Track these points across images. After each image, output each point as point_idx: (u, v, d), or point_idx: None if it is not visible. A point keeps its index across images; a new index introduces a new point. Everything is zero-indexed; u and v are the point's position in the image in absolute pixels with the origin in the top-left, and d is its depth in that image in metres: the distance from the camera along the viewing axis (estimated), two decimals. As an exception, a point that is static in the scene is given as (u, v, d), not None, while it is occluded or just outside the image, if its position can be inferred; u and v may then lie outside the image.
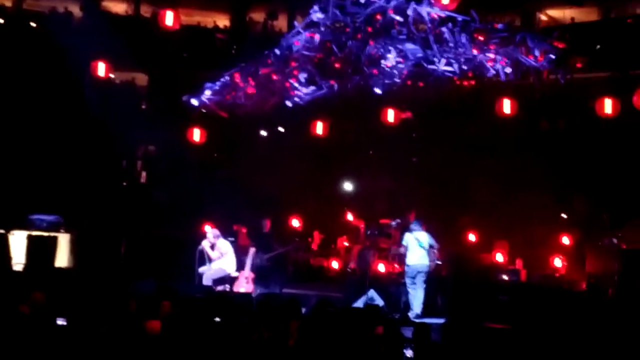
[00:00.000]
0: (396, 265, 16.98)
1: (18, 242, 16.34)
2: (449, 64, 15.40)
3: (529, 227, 17.88)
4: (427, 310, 14.92)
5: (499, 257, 17.46)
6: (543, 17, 24.45)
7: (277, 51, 16.30)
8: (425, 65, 15.62)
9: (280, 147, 20.15)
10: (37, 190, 18.82)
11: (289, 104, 17.21)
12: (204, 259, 15.95)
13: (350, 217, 19.87)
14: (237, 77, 17.03)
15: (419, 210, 17.12)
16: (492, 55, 15.23)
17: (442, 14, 14.97)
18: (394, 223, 17.72)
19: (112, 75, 19.29)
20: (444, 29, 14.96)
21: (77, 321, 8.18)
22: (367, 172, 20.44)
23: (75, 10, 24.08)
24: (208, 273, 15.71)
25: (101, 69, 17.17)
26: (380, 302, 15.02)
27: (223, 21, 26.48)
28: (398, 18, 14.97)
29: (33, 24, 23.00)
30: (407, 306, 15.12)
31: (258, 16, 26.49)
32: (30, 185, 19.01)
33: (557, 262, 17.15)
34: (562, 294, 15.12)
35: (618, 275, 14.94)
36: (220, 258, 15.94)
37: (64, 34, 20.10)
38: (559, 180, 18.06)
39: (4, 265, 15.64)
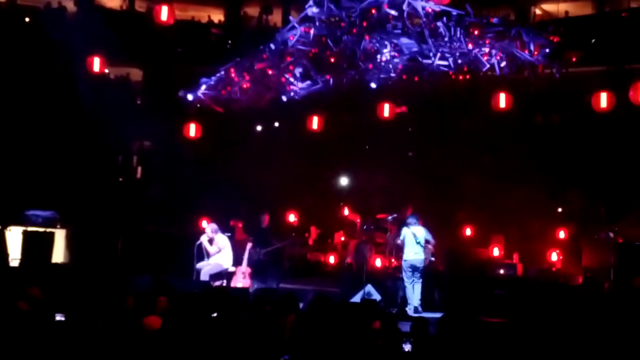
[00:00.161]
0: (393, 260, 17.00)
1: (14, 238, 16.32)
2: (444, 58, 15.40)
3: (525, 222, 17.90)
4: (424, 305, 14.95)
5: (495, 252, 17.52)
6: (537, 11, 24.45)
7: (272, 46, 16.29)
8: (420, 59, 15.62)
9: (276, 142, 20.15)
10: (33, 185, 18.77)
11: (284, 98, 17.23)
12: (202, 254, 15.94)
13: (346, 212, 19.89)
14: (233, 72, 17.03)
15: (416, 205, 17.12)
16: (487, 50, 15.22)
17: (437, 8, 14.95)
18: (390, 218, 17.72)
19: (106, 70, 19.24)
20: (439, 23, 14.95)
21: (75, 317, 8.16)
22: (362, 166, 20.45)
23: (70, 5, 24.00)
24: (206, 268, 15.70)
25: (96, 64, 17.16)
26: (377, 296, 15.04)
27: (217, 16, 26.42)
28: (393, 12, 14.94)
29: (27, 19, 22.92)
30: (404, 301, 15.14)
31: (253, 10, 26.44)
32: (26, 181, 18.96)
33: (553, 256, 17.19)
34: (558, 288, 15.18)
35: (614, 269, 14.98)
36: (219, 253, 15.93)
37: (58, 29, 20.04)
38: (555, 175, 18.10)
39: (1, 261, 15.62)
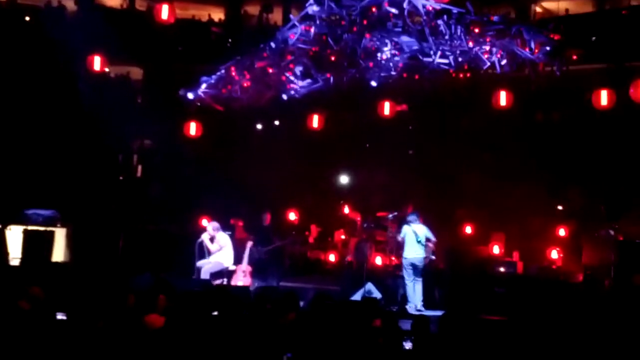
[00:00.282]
0: (393, 258, 17.00)
1: (14, 237, 16.32)
2: (444, 56, 15.40)
3: (525, 219, 17.92)
4: (425, 303, 14.96)
5: (496, 250, 17.51)
6: (538, 9, 24.47)
7: (273, 44, 16.28)
8: (420, 57, 15.62)
9: (276, 140, 20.15)
10: (33, 185, 18.78)
11: (284, 97, 17.22)
12: (203, 252, 15.95)
13: (346, 210, 19.90)
14: (233, 71, 17.03)
15: (416, 203, 17.12)
16: (487, 48, 15.24)
17: (438, 7, 14.96)
18: (390, 216, 17.73)
19: (107, 69, 19.25)
20: (439, 22, 14.94)
21: (76, 316, 8.17)
22: (363, 165, 20.46)
23: (70, 4, 24.02)
24: (206, 267, 15.71)
25: (96, 62, 17.14)
26: (377, 294, 15.03)
27: (218, 14, 26.44)
28: (393, 10, 14.94)
29: (27, 18, 22.93)
30: (405, 299, 15.14)
31: (253, 9, 26.46)
32: (26, 180, 18.97)
33: (554, 254, 17.20)
34: (558, 286, 15.18)
35: (614, 266, 14.97)
36: (220, 251, 15.94)
37: (58, 27, 20.05)
38: (556, 172, 18.10)
39: (1, 261, 15.63)
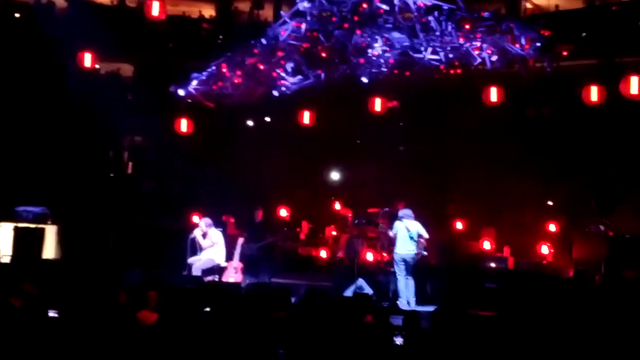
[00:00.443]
0: (384, 254, 17.02)
1: (5, 234, 16.30)
2: (435, 52, 15.43)
3: (516, 215, 17.97)
4: (416, 298, 14.99)
5: (487, 245, 17.56)
6: (528, 5, 24.48)
7: (264, 41, 16.28)
8: (411, 53, 15.64)
9: (268, 136, 20.15)
10: (24, 182, 18.74)
11: (275, 93, 17.21)
12: (195, 248, 15.94)
13: (338, 206, 19.91)
14: (224, 67, 17.01)
15: (407, 199, 17.14)
16: (478, 44, 15.27)
17: (428, 3, 14.99)
18: (381, 212, 17.76)
19: (97, 66, 19.20)
20: (430, 18, 14.96)
21: (68, 312, 8.16)
22: (354, 161, 20.48)
23: (60, 0, 23.92)
24: (197, 263, 15.70)
25: (87, 59, 17.11)
26: (369, 290, 15.06)
27: (209, 11, 26.37)
28: (384, 7, 14.97)
29: (17, 15, 22.85)
30: (396, 295, 15.17)
31: (244, 5, 26.38)
32: (16, 177, 18.93)
33: (544, 249, 17.25)
34: (549, 281, 15.22)
35: (605, 261, 15.03)
36: (211, 247, 15.93)
37: (48, 24, 19.99)
38: (546, 168, 18.14)
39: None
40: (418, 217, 15.34)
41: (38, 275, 12.97)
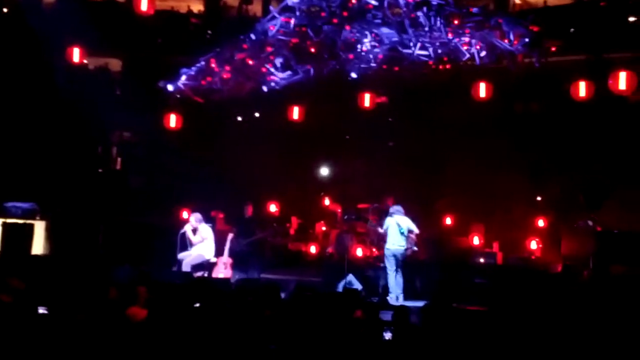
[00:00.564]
0: (374, 250, 17.04)
1: (-7, 230, 16.27)
2: (424, 48, 15.45)
3: (505, 210, 18.03)
4: (405, 294, 15.03)
5: (476, 240, 17.60)
6: (517, 1, 24.49)
7: (253, 36, 16.25)
8: (400, 49, 15.66)
9: (257, 132, 20.11)
10: (12, 177, 18.66)
11: (265, 89, 17.19)
12: (185, 243, 15.92)
13: (327, 201, 19.91)
14: (213, 63, 16.97)
15: (396, 194, 17.17)
16: (467, 39, 15.31)
17: (417, -2, 15.01)
18: (372, 208, 17.78)
19: (85, 61, 19.12)
20: (419, 13, 14.98)
21: (58, 309, 8.14)
22: (343, 156, 20.48)
23: (48, -5, 23.83)
24: (187, 259, 15.69)
25: (76, 54, 17.05)
26: (358, 286, 15.10)
27: (197, 6, 26.25)
28: (373, 2, 14.98)
29: (5, 10, 22.72)
30: (386, 290, 15.20)
31: (232, 0, 26.29)
32: (5, 173, 18.84)
33: (533, 245, 17.31)
34: (538, 276, 15.28)
35: (593, 257, 15.09)
36: (201, 242, 15.92)
37: (36, 19, 19.90)
38: (534, 163, 18.20)
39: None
40: (407, 213, 15.39)
41: (27, 271, 12.92)
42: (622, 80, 14.47)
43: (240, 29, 17.40)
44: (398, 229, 15.02)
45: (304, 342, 7.98)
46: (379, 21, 15.13)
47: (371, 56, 15.96)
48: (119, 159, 23.29)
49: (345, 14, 15.21)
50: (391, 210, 15.36)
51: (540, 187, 18.64)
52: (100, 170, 22.32)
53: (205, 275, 15.75)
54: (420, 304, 12.19)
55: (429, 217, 17.72)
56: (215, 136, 20.58)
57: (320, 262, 17.89)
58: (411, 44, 15.35)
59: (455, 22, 15.01)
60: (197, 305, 9.45)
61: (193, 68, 17.25)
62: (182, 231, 15.88)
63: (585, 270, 15.10)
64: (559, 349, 8.66)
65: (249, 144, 19.84)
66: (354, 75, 16.34)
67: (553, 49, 15.40)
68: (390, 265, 15.03)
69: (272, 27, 15.89)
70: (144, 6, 15.16)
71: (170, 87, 17.46)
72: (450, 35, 15.10)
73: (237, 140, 19.99)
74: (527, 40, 15.04)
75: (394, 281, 14.98)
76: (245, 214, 18.12)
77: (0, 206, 16.85)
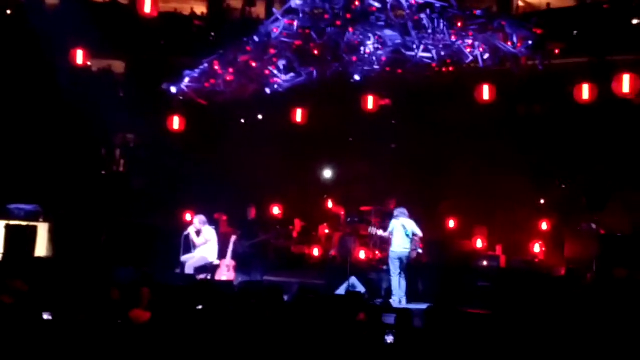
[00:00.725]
0: (377, 252, 17.04)
1: (-4, 232, 16.27)
2: (427, 50, 15.43)
3: (508, 213, 18.01)
4: (408, 296, 15.01)
5: (479, 243, 17.58)
6: (520, 3, 24.49)
7: (256, 38, 16.25)
8: (403, 51, 15.64)
9: (260, 134, 20.11)
10: (16, 179, 18.67)
11: (268, 91, 17.19)
12: (189, 245, 15.91)
13: (330, 204, 19.90)
14: (216, 65, 16.98)
15: (399, 197, 17.17)
16: (470, 42, 15.27)
17: (420, 0, 14.97)
18: (374, 210, 17.79)
19: (89, 63, 19.14)
20: (422, 15, 14.95)
21: (61, 311, 8.13)
22: (346, 159, 20.47)
23: (52, -3, 23.85)
24: (190, 261, 15.68)
25: (79, 56, 17.07)
26: (361, 288, 15.08)
27: (200, 8, 26.28)
28: (376, 4, 14.96)
29: (8, 11, 22.75)
30: (389, 292, 15.19)
31: (236, 3, 26.29)
32: (8, 175, 18.85)
33: (536, 248, 17.29)
34: (541, 279, 15.24)
35: (596, 260, 15.07)
36: (205, 245, 15.91)
37: (40, 20, 19.92)
38: (538, 166, 18.18)
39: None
40: (411, 215, 15.38)
41: (30, 273, 12.92)
42: (625, 83, 14.47)
43: (243, 31, 17.41)
44: (404, 232, 15.01)
45: (307, 344, 7.97)
46: (382, 23, 15.12)
47: (374, 58, 15.94)
48: (122, 161, 23.31)
49: (348, 16, 15.20)
50: (395, 213, 15.34)
51: (544, 190, 18.63)
52: (103, 172, 22.34)
53: (208, 277, 15.74)
54: (423, 306, 12.20)
55: (432, 220, 17.70)
56: (219, 138, 20.59)
57: (323, 264, 17.89)
58: (414, 46, 15.34)
59: (459, 24, 14.99)
60: (200, 307, 9.44)
61: (196, 70, 17.26)
62: (185, 233, 15.88)
63: (589, 273, 15.08)
64: (563, 352, 8.65)
65: (252, 146, 19.84)
66: (357, 77, 16.33)
67: (556, 51, 15.37)
68: (394, 268, 15.02)
69: (276, 30, 15.89)
70: (147, 8, 15.16)
71: (173, 89, 17.48)
72: (453, 38, 15.07)
73: (240, 143, 19.99)
74: (530, 42, 15.01)
75: (397, 284, 14.96)
76: (248, 217, 18.12)
77: (4, 208, 16.86)
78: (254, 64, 16.68)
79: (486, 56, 15.36)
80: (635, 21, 19.04)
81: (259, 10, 25.26)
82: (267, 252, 18.22)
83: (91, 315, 8.03)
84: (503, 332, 9.44)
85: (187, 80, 17.38)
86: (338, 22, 15.34)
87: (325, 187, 20.92)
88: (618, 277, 14.43)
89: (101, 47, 19.50)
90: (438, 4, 14.90)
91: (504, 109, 18.04)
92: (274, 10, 16.66)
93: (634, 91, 14.58)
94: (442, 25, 14.97)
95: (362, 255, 17.01)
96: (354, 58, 15.90)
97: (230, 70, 16.95)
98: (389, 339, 8.85)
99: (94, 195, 19.53)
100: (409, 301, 14.82)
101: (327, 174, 21.17)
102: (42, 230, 16.88)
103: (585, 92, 15.21)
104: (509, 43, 15.01)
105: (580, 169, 18.04)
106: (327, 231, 19.21)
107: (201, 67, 17.19)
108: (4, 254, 15.98)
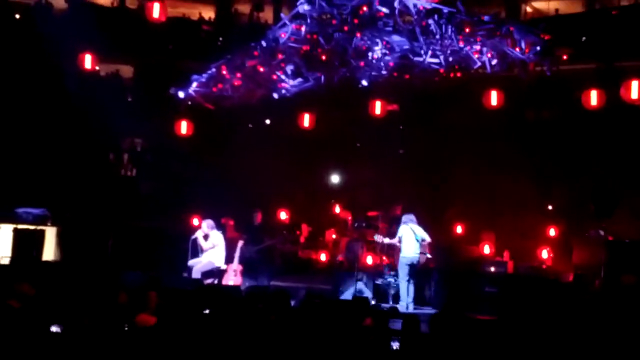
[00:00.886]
0: (384, 258, 17.01)
1: (4, 236, 16.28)
2: (435, 55, 15.42)
3: (516, 219, 17.96)
4: (415, 301, 15.00)
5: (486, 249, 17.54)
6: (528, 9, 24.52)
7: (264, 43, 16.26)
8: (411, 57, 15.64)
9: (267, 139, 20.13)
10: (24, 183, 18.72)
11: (275, 96, 17.19)
12: (196, 249, 15.91)
13: (337, 209, 19.89)
14: (224, 69, 17.00)
15: (406, 202, 17.15)
16: (478, 47, 15.27)
17: (428, 6, 14.97)
18: (381, 215, 17.78)
19: (97, 67, 19.19)
20: (430, 21, 14.95)
21: (68, 315, 8.14)
22: (354, 164, 20.46)
23: (60, 1, 23.92)
24: (197, 266, 15.69)
25: (87, 60, 17.12)
26: (368, 294, 15.08)
27: (208, 13, 26.39)
28: (384, 10, 14.96)
29: (17, 16, 22.84)
30: (396, 298, 15.16)
31: (244, 8, 26.40)
32: (16, 179, 18.91)
33: (544, 254, 17.24)
34: (548, 286, 15.20)
35: (604, 266, 15.02)
36: (212, 249, 15.91)
37: (48, 25, 19.99)
38: (546, 172, 18.15)
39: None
40: (418, 221, 15.38)
41: (38, 277, 12.93)
42: (634, 89, 14.41)
43: (251, 36, 17.45)
44: (414, 236, 15.02)
45: (314, 349, 7.96)
46: (390, 29, 15.11)
47: (382, 64, 15.94)
48: (130, 165, 23.37)
49: (356, 21, 15.19)
50: (404, 219, 15.34)
51: (551, 196, 18.58)
52: (111, 176, 22.38)
53: (215, 282, 15.74)
54: (429, 311, 12.20)
55: (439, 225, 17.67)
56: (226, 143, 20.61)
57: (330, 269, 17.86)
58: (422, 51, 15.33)
59: (467, 30, 14.98)
60: (207, 311, 9.43)
61: (204, 75, 17.28)
62: (193, 237, 15.89)
63: (597, 279, 15.03)
64: (571, 359, 8.62)
65: (259, 151, 19.84)
66: (364, 82, 16.33)
67: (564, 57, 15.35)
68: (404, 274, 15.01)
69: (283, 35, 15.91)
70: (155, 13, 15.23)
71: (181, 94, 17.49)
72: (461, 43, 15.06)
73: (247, 147, 20.00)
74: (538, 48, 14.99)
75: (406, 290, 14.94)
76: (254, 221, 18.12)
77: (12, 212, 16.89)
78: (261, 69, 16.69)
79: (494, 62, 15.35)
80: (643, 27, 19.03)
81: (267, 15, 25.35)
82: (274, 257, 18.20)
83: (99, 320, 8.03)
84: (510, 339, 9.41)
85: (194, 84, 17.40)
86: (346, 28, 15.34)
87: (333, 192, 20.89)
88: (626, 283, 14.38)
89: (109, 52, 19.58)
90: (446, 10, 14.90)
91: (512, 115, 18.02)
92: (282, 15, 16.68)
93: (642, 98, 14.54)
94: (450, 30, 14.97)
95: (369, 260, 16.98)
96: (362, 63, 15.90)
97: (238, 75, 16.97)
98: (395, 345, 8.84)
99: (102, 199, 19.58)
100: (416, 307, 14.79)
101: (334, 179, 21.15)
102: (50, 234, 16.90)
103: (594, 98, 15.18)
104: (517, 49, 15.00)
105: (588, 175, 17.98)
106: (334, 236, 19.17)
107: (209, 71, 17.22)
108: (12, 258, 16.00)
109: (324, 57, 16.04)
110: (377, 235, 16.40)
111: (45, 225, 16.91)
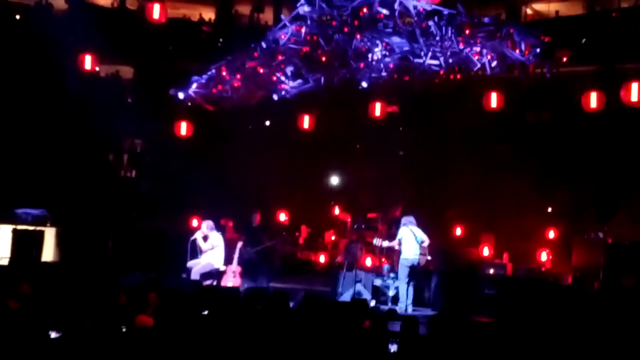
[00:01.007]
0: (383, 259, 17.00)
1: (4, 237, 16.27)
2: (435, 57, 15.42)
3: (515, 221, 17.95)
4: (414, 303, 14.99)
5: (485, 251, 17.53)
6: (528, 11, 24.52)
7: (264, 44, 16.28)
8: (411, 58, 15.65)
9: (267, 140, 20.14)
10: (23, 184, 18.71)
11: (275, 97, 17.20)
12: (195, 250, 15.89)
13: (337, 211, 19.88)
14: (224, 70, 17.01)
15: (406, 204, 17.14)
16: (478, 49, 15.27)
17: (428, 7, 14.98)
18: (381, 217, 17.76)
19: (97, 68, 19.19)
20: (430, 23, 14.97)
21: (67, 317, 8.13)
22: (353, 165, 20.46)
23: (60, 2, 23.93)
24: (196, 267, 15.67)
25: (87, 61, 17.12)
26: (367, 296, 15.06)
27: (209, 14, 26.39)
28: (384, 11, 14.96)
29: (17, 16, 22.83)
30: (395, 299, 15.15)
31: (244, 9, 26.42)
32: (16, 179, 18.89)
33: (543, 256, 17.24)
34: (548, 288, 15.20)
35: (604, 269, 15.02)
36: (211, 250, 15.89)
37: (48, 26, 19.99)
38: (546, 173, 18.14)
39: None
40: (418, 223, 15.36)
41: (37, 277, 12.93)
42: (634, 92, 14.42)
43: (251, 37, 17.46)
44: (414, 238, 15.01)
45: (312, 351, 7.95)
46: (390, 30, 15.13)
47: (382, 65, 15.95)
48: (129, 166, 23.37)
49: (356, 23, 15.21)
50: (403, 220, 15.33)
51: (551, 198, 18.58)
52: (110, 177, 22.37)
53: (214, 283, 15.73)
54: (427, 313, 12.19)
55: (438, 227, 17.66)
56: (226, 144, 20.62)
57: (329, 271, 17.85)
58: (422, 53, 15.33)
59: (467, 31, 14.99)
60: (206, 313, 9.44)
61: (204, 76, 17.29)
62: (192, 238, 15.87)
63: (596, 281, 15.03)
64: (569, 361, 8.63)
65: (259, 152, 19.86)
66: (364, 84, 16.32)
67: (564, 59, 15.36)
68: (403, 276, 14.99)
69: (283, 36, 15.91)
70: (156, 14, 15.24)
71: (181, 95, 17.51)
72: (461, 45, 15.07)
73: (247, 149, 20.02)
74: (538, 50, 14.99)
75: (405, 292, 14.93)
76: (254, 223, 18.11)
77: (11, 213, 16.88)
78: (261, 70, 16.71)
79: (494, 64, 15.35)
80: (644, 30, 19.04)
81: (267, 16, 25.36)
82: (273, 259, 18.19)
83: (98, 321, 8.02)
84: (509, 341, 9.41)
85: (194, 86, 17.42)
86: (346, 29, 15.35)
87: (332, 193, 20.88)
88: (626, 285, 14.38)
89: (109, 53, 19.60)
90: (446, 11, 14.91)
91: (512, 117, 18.02)
92: (282, 16, 16.70)
93: (643, 100, 14.55)
94: (450, 32, 14.98)
95: (368, 262, 16.96)
96: (362, 65, 15.91)
97: (238, 76, 16.98)
98: (393, 348, 8.83)
99: (102, 200, 19.57)
100: (415, 309, 14.79)
101: (334, 180, 21.14)
102: (49, 235, 16.90)
103: (594, 100, 15.18)
104: (517, 51, 15.00)
105: (588, 177, 17.98)
106: (333, 238, 19.17)
107: (209, 73, 17.23)
108: (11, 259, 15.99)
109: (324, 59, 16.05)
110: (376, 239, 16.38)
111: (45, 225, 16.90)
